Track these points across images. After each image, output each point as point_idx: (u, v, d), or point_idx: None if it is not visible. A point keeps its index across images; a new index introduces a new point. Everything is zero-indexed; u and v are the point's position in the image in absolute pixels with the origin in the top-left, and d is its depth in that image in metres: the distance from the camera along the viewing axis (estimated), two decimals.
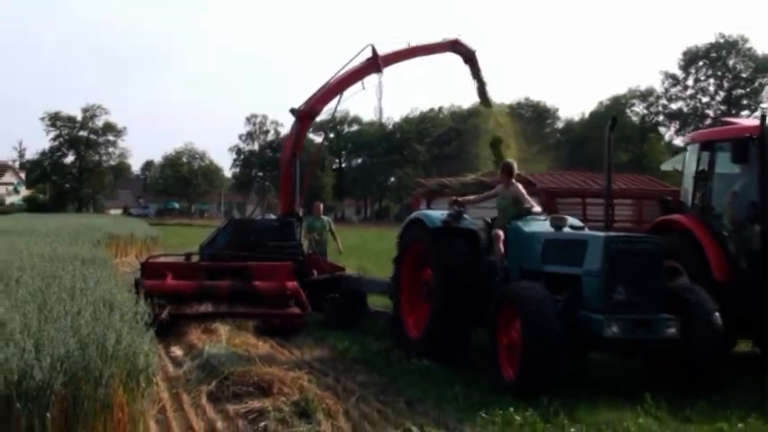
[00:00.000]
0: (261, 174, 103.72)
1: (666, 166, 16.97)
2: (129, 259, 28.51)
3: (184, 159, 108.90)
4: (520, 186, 10.98)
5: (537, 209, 10.82)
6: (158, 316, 10.07)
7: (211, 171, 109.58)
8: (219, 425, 7.74)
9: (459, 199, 11.37)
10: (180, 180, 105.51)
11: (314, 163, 20.70)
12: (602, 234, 9.37)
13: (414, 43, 17.20)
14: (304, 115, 16.32)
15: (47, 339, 5.83)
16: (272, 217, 18.56)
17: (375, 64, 16.42)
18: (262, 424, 7.72)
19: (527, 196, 10.90)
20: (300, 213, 15.98)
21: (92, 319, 6.45)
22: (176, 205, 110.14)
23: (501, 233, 10.55)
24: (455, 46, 17.40)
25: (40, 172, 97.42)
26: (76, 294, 7.89)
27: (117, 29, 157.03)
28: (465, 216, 10.96)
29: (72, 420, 5.61)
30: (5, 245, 14.60)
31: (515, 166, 11.20)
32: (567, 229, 10.07)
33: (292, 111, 16.32)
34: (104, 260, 13.52)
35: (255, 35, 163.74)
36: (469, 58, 17.52)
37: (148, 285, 11.46)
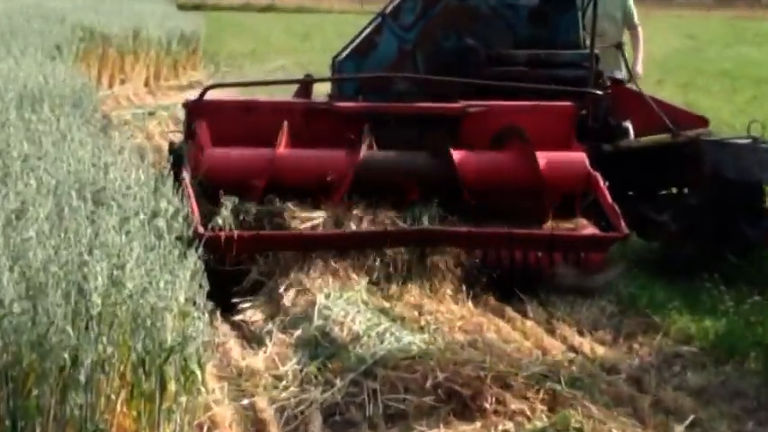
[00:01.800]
0: None
1: None
2: (131, 89, 29.29)
3: None
4: None
5: None
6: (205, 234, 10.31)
7: None
8: None
9: None
10: None
11: None
12: None
13: None
14: None
15: None
16: None
17: None
18: None
19: None
20: None
21: (53, 229, 6.63)
22: None
23: None
24: None
25: None
26: (15, 170, 8.19)
27: None
28: None
29: None
30: None
31: None
32: None
33: None
34: (77, 92, 13.84)
35: None
36: None
37: (213, 159, 11.91)
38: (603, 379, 9.92)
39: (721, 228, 12.75)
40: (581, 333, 11.15)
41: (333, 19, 61.55)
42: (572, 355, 10.55)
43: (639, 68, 17.19)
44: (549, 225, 12.19)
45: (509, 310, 11.86)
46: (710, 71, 15.74)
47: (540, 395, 9.11)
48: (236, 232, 11.07)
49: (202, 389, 7.05)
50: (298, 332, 10.55)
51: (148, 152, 19.63)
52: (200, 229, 10.50)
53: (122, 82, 30.45)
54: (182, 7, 52.71)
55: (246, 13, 67.90)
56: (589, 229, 12.23)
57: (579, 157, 12.36)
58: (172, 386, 6.19)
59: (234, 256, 11.23)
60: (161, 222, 7.26)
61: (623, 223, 11.88)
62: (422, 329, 10.38)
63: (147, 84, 31.82)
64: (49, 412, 5.75)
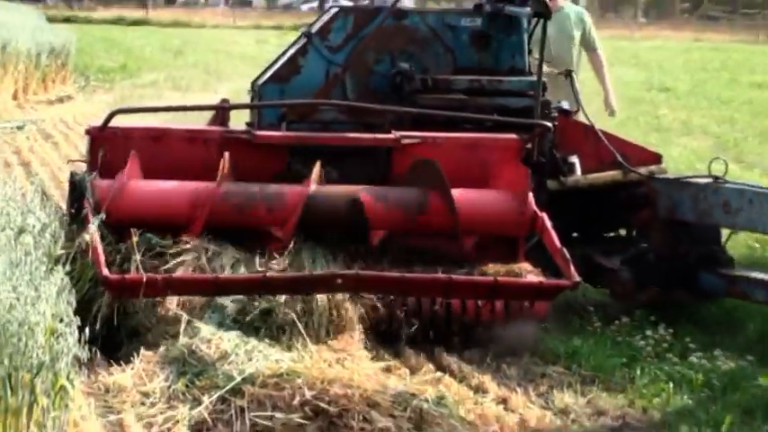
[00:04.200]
0: None
1: None
2: None
3: None
4: None
5: None
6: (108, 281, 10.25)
7: None
8: None
9: None
10: None
11: None
12: None
13: None
14: None
15: None
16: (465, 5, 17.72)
17: None
18: None
19: None
20: None
21: None
22: None
23: None
24: None
25: None
26: None
27: None
28: None
29: None
30: None
31: None
32: None
33: None
34: None
35: None
36: None
37: (103, 192, 11.21)
38: (470, 398, 10.05)
39: (677, 276, 12.45)
40: (449, 352, 11.17)
41: (206, 33, 61.47)
42: (440, 374, 10.65)
43: (614, 102, 17.03)
44: (489, 271, 11.43)
45: None
46: (586, 92, 15.85)
47: (407, 413, 9.20)
48: (144, 276, 10.56)
49: (71, 405, 7.10)
50: (163, 350, 10.56)
51: (16, 167, 19.64)
52: (105, 273, 10.20)
53: None
54: (51, 20, 52.37)
55: (118, 27, 67.45)
56: (536, 276, 11.45)
57: (524, 194, 11.75)
58: (42, 401, 6.23)
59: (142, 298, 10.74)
60: (28, 238, 7.28)
61: (573, 270, 11.08)
62: (290, 348, 10.36)
63: (15, 97, 31.67)
64: None
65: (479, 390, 10.31)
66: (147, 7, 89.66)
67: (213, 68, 38.23)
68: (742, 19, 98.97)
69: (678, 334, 11.73)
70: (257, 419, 9.11)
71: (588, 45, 16.62)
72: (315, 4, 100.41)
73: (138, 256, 10.75)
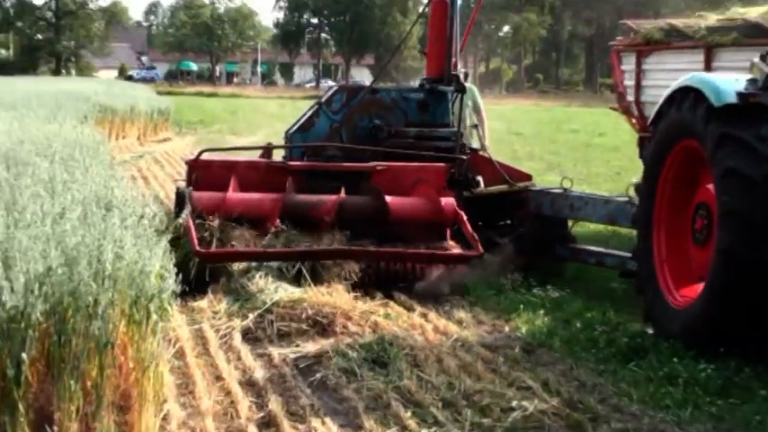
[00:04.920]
0: (315, 21, 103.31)
1: None
2: (128, 142, 29.18)
3: (205, 0, 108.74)
4: None
5: None
6: (200, 252, 10.34)
7: (243, 17, 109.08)
8: (259, 374, 7.98)
9: None
10: (199, 30, 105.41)
11: (476, 7, 19.02)
12: None
13: None
14: None
15: (19, 251, 5.84)
16: (413, 85, 17.34)
17: None
18: (318, 375, 7.96)
19: None
20: (462, 77, 14.32)
21: (81, 225, 6.51)
22: (193, 66, 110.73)
23: None
24: None
25: (1, 18, 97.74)
26: (58, 189, 8.04)
27: None
28: None
29: (57, 364, 5.67)
30: None
31: None
32: None
33: None
34: (96, 143, 13.67)
35: None
36: None
37: (199, 200, 11.06)
38: (405, 314, 10.19)
39: (541, 248, 12.47)
40: (394, 290, 11.13)
41: (250, 101, 61.68)
42: (387, 300, 10.70)
43: (487, 142, 16.34)
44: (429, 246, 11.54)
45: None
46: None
47: (368, 323, 9.42)
48: (217, 250, 10.69)
49: (171, 319, 7.12)
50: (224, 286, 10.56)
51: (138, 180, 19.60)
52: (197, 248, 10.29)
53: (123, 137, 30.24)
54: (159, 93, 52.27)
55: (199, 97, 67.81)
56: (457, 249, 11.52)
57: (450, 200, 11.76)
58: (153, 317, 6.21)
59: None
60: (145, 221, 7.25)
61: (479, 245, 11.29)
62: (300, 285, 10.32)
63: (138, 138, 31.63)
64: (80, 332, 5.73)
65: (410, 309, 10.38)
66: (215, 86, 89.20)
67: (254, 122, 38.26)
68: (563, 92, 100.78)
69: (527, 276, 11.78)
70: (281, 327, 9.24)
71: (477, 109, 16.40)
72: (313, 84, 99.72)
73: (216, 236, 10.79)
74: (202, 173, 11.50)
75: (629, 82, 13.73)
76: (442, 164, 12.33)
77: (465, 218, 11.59)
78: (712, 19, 13.02)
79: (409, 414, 7.11)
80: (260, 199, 11.33)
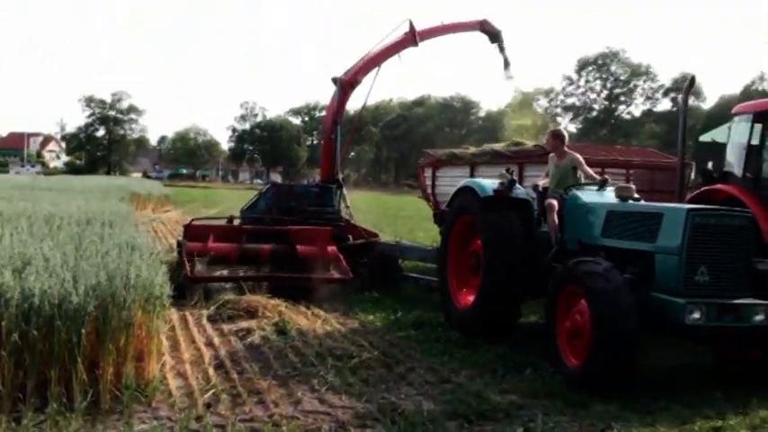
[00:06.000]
0: (251, 147, 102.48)
1: (706, 138, 13.25)
2: (146, 212, 27.95)
3: (191, 135, 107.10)
4: (578, 155, 8.40)
5: (598, 178, 8.27)
6: (192, 276, 9.51)
7: (212, 144, 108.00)
8: (216, 340, 7.76)
9: (540, 183, 8.57)
10: (187, 151, 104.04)
11: (351, 132, 17.55)
12: (683, 206, 6.85)
13: (446, 21, 14.56)
14: (345, 84, 13.68)
15: (82, 272, 5.77)
16: (312, 182, 16.57)
17: (412, 38, 13.89)
18: (248, 339, 7.77)
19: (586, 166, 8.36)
20: (341, 179, 13.49)
21: (117, 257, 6.38)
22: (184, 171, 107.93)
23: (555, 203, 7.97)
24: (483, 25, 14.91)
25: (77, 143, 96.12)
26: (105, 237, 7.81)
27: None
28: (518, 185, 8.38)
29: (102, 335, 5.57)
30: (50, 199, 14.34)
31: (566, 134, 8.67)
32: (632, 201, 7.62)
33: (334, 80, 13.72)
34: (127, 212, 13.30)
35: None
36: (496, 37, 14.98)
37: (191, 246, 10.15)
38: (302, 311, 9.54)
39: (383, 274, 11.35)
40: (300, 301, 9.75)
41: (215, 191, 59.40)
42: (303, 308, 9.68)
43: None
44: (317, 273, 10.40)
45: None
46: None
47: (277, 311, 8.91)
48: (200, 275, 9.83)
49: (167, 313, 6.89)
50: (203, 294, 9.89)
51: (151, 233, 18.88)
52: (189, 274, 9.59)
53: (143, 209, 29.02)
54: (165, 185, 50.47)
55: (190, 188, 64.75)
56: (336, 275, 10.48)
57: (333, 247, 10.86)
58: (157, 308, 6.03)
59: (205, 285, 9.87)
60: (153, 256, 7.01)
61: (350, 272, 10.49)
62: (242, 291, 9.82)
63: (153, 210, 30.33)
64: (115, 316, 5.59)
65: (301, 304, 9.69)
66: (196, 182, 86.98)
67: (216, 201, 36.92)
68: (383, 187, 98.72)
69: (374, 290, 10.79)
70: (229, 314, 8.87)
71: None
72: (249, 181, 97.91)
73: (202, 266, 10.04)
74: (192, 231, 10.64)
75: (429, 182, 13.83)
76: (328, 227, 11.54)
77: (341, 257, 10.78)
78: (473, 149, 13.53)
79: (297, 360, 7.01)
80: (226, 246, 10.45)
